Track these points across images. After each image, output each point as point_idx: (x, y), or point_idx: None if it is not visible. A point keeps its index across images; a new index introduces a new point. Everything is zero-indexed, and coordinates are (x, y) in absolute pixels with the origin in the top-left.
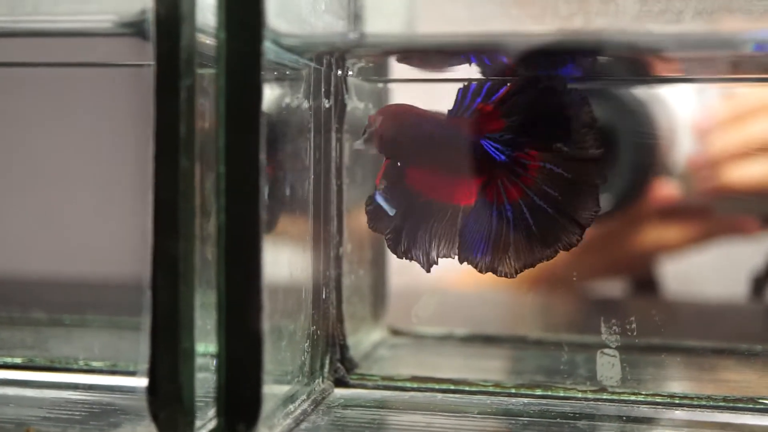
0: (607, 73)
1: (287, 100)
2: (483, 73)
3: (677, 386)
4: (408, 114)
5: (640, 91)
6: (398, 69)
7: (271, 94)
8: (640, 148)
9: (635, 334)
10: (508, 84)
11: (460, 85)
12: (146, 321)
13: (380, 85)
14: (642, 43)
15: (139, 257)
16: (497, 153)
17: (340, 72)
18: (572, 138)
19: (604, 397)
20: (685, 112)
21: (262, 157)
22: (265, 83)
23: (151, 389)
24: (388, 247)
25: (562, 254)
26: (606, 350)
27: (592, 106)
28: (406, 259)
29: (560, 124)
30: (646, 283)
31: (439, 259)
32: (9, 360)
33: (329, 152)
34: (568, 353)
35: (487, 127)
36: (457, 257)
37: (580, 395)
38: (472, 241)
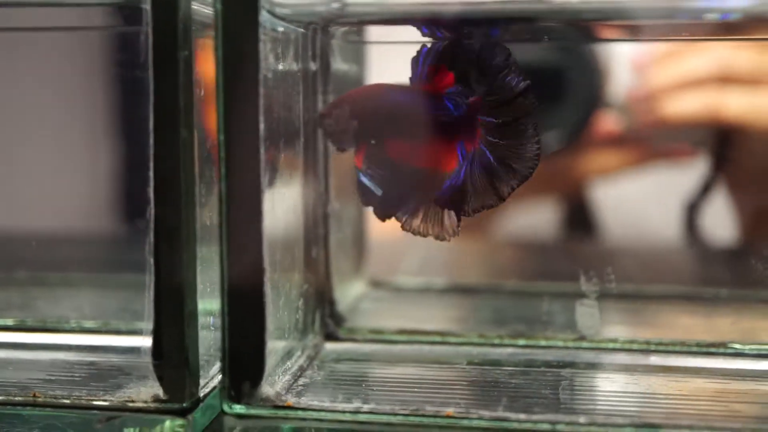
0: (551, 36)
1: (279, 65)
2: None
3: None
4: (372, 93)
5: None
6: (376, 31)
7: (265, 59)
8: (581, 84)
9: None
10: (449, 42)
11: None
12: (143, 280)
13: (361, 46)
14: (591, 13)
15: (103, 212)
16: (458, 108)
17: (325, 36)
18: (493, 83)
19: (584, 345)
20: (625, 48)
21: (262, 124)
22: (262, 50)
23: (157, 353)
24: (377, 217)
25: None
26: (585, 301)
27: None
28: (405, 229)
29: (479, 67)
30: (580, 210)
31: (447, 233)
32: (1, 322)
33: (316, 114)
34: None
35: (443, 82)
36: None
37: (561, 344)
38: (447, 196)
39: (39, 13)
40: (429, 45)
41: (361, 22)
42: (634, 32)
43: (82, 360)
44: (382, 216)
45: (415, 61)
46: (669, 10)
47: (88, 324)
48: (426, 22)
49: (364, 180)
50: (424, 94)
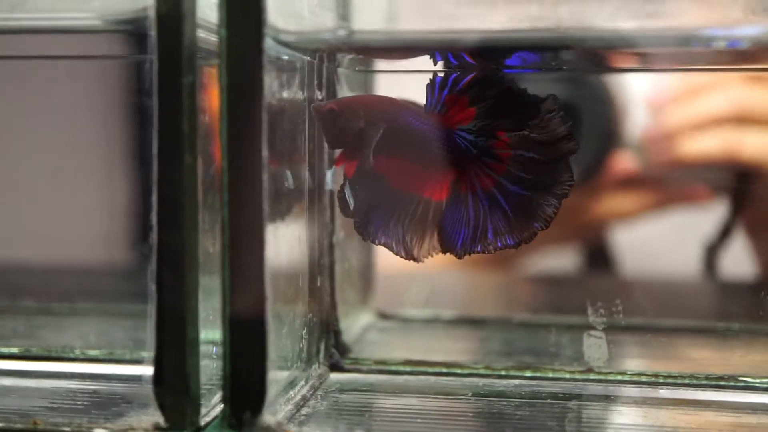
0: (567, 64)
1: (284, 93)
2: (447, 68)
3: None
4: (384, 104)
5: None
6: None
7: (269, 88)
8: (597, 122)
9: (609, 313)
10: (472, 73)
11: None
12: (148, 309)
13: (368, 75)
14: (608, 41)
15: (116, 244)
16: (469, 147)
17: (331, 64)
18: (539, 124)
19: (591, 377)
20: (641, 88)
21: (265, 152)
22: (267, 76)
23: (158, 380)
24: (356, 230)
25: None
26: (593, 332)
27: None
28: (376, 243)
29: (527, 109)
30: (600, 253)
31: (423, 255)
32: (5, 350)
33: (322, 143)
34: (555, 335)
35: (458, 117)
36: (439, 250)
37: (568, 376)
38: (452, 232)
39: (52, 41)
40: (443, 73)
41: (369, 49)
42: (647, 61)
43: (85, 388)
44: (359, 231)
45: (431, 89)
46: (677, 38)
47: (93, 353)
48: (439, 50)
49: (347, 192)
50: (435, 124)
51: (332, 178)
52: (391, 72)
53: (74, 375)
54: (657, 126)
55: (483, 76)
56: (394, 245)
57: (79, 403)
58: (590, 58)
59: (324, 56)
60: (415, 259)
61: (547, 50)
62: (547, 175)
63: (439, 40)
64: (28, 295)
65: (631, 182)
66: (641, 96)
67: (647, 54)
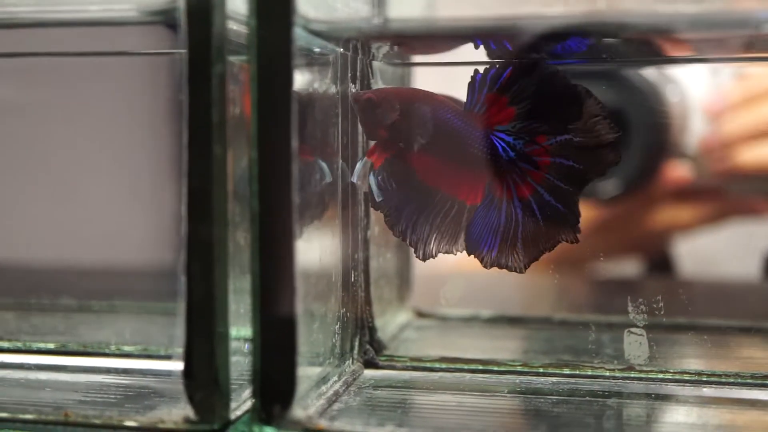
0: (617, 54)
1: (316, 85)
2: (489, 56)
3: (702, 364)
4: (422, 98)
5: (652, 73)
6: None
7: (300, 80)
8: (651, 130)
9: (660, 313)
10: (510, 68)
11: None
12: (180, 306)
13: (404, 69)
14: (657, 24)
15: (164, 244)
16: (507, 149)
17: (365, 57)
18: (583, 127)
19: (632, 375)
20: (698, 94)
21: (294, 142)
22: (295, 69)
23: (188, 373)
24: (386, 223)
25: (587, 234)
26: (633, 329)
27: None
28: (402, 239)
29: (570, 108)
30: (661, 263)
31: (439, 253)
32: (42, 345)
33: (356, 137)
34: (594, 332)
35: (497, 117)
36: (459, 252)
37: (607, 374)
38: (480, 235)
39: (96, 35)
40: (483, 70)
41: (405, 38)
42: (702, 50)
43: (119, 382)
44: (392, 226)
45: (471, 87)
46: (733, 20)
47: (128, 348)
48: (481, 38)
49: (372, 182)
50: (473, 123)
51: (360, 171)
52: (428, 65)
53: (109, 370)
54: (714, 134)
55: (523, 67)
56: (418, 244)
57: (111, 396)
58: (643, 48)
59: (358, 47)
60: (427, 256)
61: (596, 36)
62: (581, 187)
63: (481, 27)
64: (69, 294)
65: (687, 193)
66: (698, 103)
67: (703, 41)
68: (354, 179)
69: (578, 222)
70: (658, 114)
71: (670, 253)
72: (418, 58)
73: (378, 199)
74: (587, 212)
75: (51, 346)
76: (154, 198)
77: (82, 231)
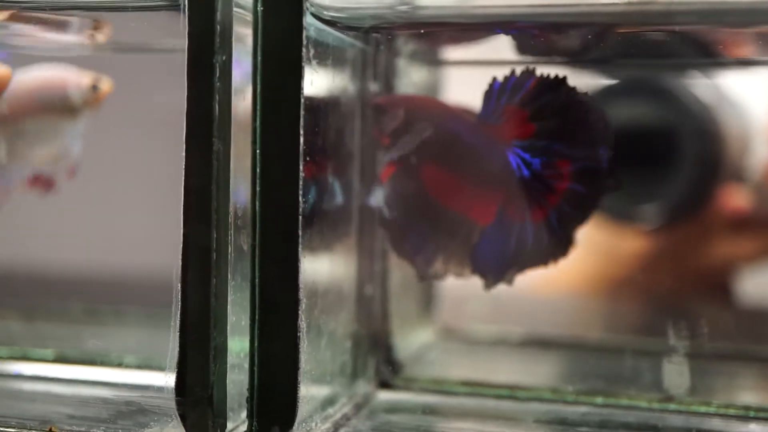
0: (667, 53)
1: (331, 82)
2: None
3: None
4: (435, 109)
5: (706, 91)
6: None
7: (313, 75)
8: (702, 153)
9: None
10: (533, 80)
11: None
12: (174, 316)
13: (433, 69)
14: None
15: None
16: (522, 167)
17: (389, 53)
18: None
19: (671, 407)
20: (762, 111)
21: (301, 141)
22: (307, 62)
23: (180, 390)
24: (387, 241)
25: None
26: (673, 358)
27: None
28: (404, 259)
29: (594, 135)
30: (719, 297)
31: (447, 274)
32: (41, 353)
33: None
34: (633, 358)
35: (515, 132)
36: (467, 275)
37: (645, 404)
38: (488, 257)
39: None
40: (502, 78)
41: (434, 27)
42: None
43: (116, 397)
44: (394, 244)
45: (488, 96)
46: None
47: (129, 360)
48: (518, 30)
49: (380, 198)
50: (488, 137)
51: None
52: (460, 64)
53: (107, 383)
54: None
55: (548, 82)
56: (420, 264)
57: (104, 412)
58: (693, 45)
59: (380, 41)
60: (432, 276)
61: (644, 28)
62: (579, 212)
63: (519, 15)
64: (77, 300)
65: (746, 223)
66: (761, 122)
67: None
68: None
69: (570, 248)
70: (711, 135)
71: (730, 287)
72: (448, 55)
73: (388, 215)
74: (633, 241)
75: (49, 354)
76: (162, 203)
77: (93, 237)
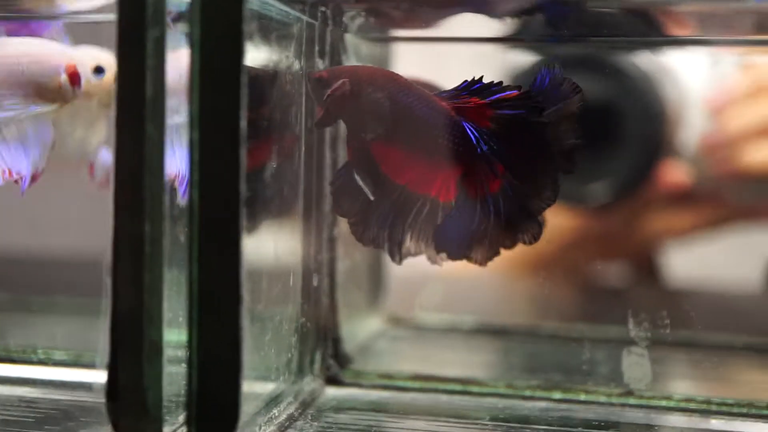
0: (611, 30)
1: (275, 59)
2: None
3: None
4: (384, 80)
5: (646, 63)
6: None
7: (256, 52)
8: (645, 128)
9: (660, 327)
10: (509, 93)
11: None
12: (105, 314)
13: (382, 46)
14: None
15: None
16: (479, 143)
17: (336, 28)
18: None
19: (631, 401)
20: (697, 86)
21: (243, 123)
22: (249, 38)
23: (111, 394)
24: (352, 233)
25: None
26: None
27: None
28: (373, 247)
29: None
30: (649, 272)
31: (419, 254)
32: None
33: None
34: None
35: (472, 118)
36: (440, 259)
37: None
38: (451, 233)
39: None
40: (484, 80)
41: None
42: (706, 28)
43: (43, 397)
44: (359, 234)
45: (463, 87)
46: None
47: (58, 355)
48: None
49: (358, 179)
50: (443, 111)
51: None
52: (409, 40)
53: (34, 381)
54: (716, 132)
55: (514, 104)
56: (393, 248)
57: (29, 415)
58: (639, 23)
59: (328, 15)
60: (404, 257)
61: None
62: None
63: None
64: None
65: (685, 196)
66: (698, 98)
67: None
68: None
69: (542, 225)
70: (652, 109)
71: (657, 261)
72: (398, 32)
73: (372, 197)
74: (576, 221)
75: None
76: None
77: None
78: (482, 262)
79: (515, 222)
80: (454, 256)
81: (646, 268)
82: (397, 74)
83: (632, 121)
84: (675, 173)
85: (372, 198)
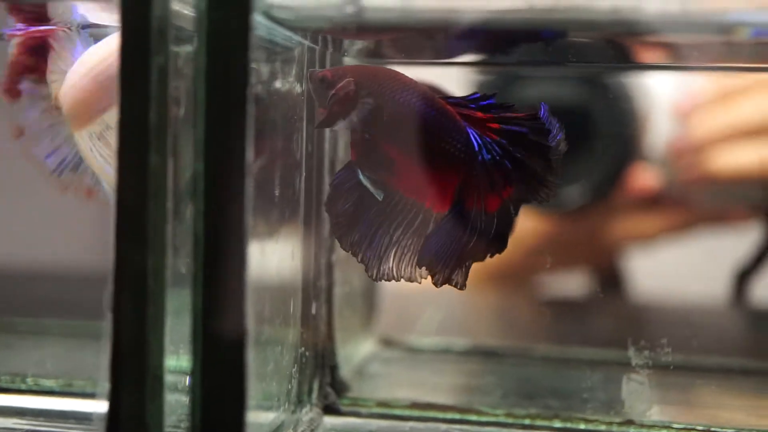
0: (588, 59)
1: (277, 83)
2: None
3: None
4: (387, 77)
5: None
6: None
7: (259, 77)
8: (615, 133)
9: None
10: (514, 112)
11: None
12: (105, 347)
13: None
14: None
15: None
16: (483, 149)
17: (336, 52)
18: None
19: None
20: (666, 91)
21: (249, 153)
22: (253, 63)
23: (112, 426)
24: (333, 233)
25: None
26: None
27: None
28: (351, 253)
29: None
30: (610, 280)
31: (399, 276)
32: None
33: (322, 145)
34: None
35: (476, 127)
36: (422, 278)
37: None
38: (440, 250)
39: None
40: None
41: (381, 31)
42: (675, 56)
43: (33, 429)
44: (340, 236)
45: (471, 96)
46: (697, 24)
47: (48, 383)
48: (459, 35)
49: (362, 177)
50: (447, 113)
51: None
52: (407, 64)
53: (23, 411)
54: (684, 136)
55: (526, 120)
56: (372, 261)
57: None
58: (609, 50)
59: (328, 40)
60: (382, 276)
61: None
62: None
63: (466, 20)
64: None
65: (652, 201)
66: (666, 102)
67: (672, 46)
68: None
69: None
70: (622, 114)
71: (620, 268)
72: (395, 54)
73: (379, 197)
74: (543, 225)
75: None
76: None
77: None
78: (462, 285)
79: (495, 241)
80: (437, 273)
81: (611, 277)
82: (401, 73)
83: (602, 126)
84: (643, 177)
85: (380, 198)
